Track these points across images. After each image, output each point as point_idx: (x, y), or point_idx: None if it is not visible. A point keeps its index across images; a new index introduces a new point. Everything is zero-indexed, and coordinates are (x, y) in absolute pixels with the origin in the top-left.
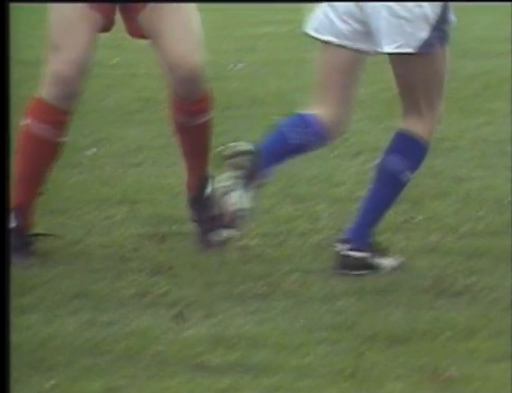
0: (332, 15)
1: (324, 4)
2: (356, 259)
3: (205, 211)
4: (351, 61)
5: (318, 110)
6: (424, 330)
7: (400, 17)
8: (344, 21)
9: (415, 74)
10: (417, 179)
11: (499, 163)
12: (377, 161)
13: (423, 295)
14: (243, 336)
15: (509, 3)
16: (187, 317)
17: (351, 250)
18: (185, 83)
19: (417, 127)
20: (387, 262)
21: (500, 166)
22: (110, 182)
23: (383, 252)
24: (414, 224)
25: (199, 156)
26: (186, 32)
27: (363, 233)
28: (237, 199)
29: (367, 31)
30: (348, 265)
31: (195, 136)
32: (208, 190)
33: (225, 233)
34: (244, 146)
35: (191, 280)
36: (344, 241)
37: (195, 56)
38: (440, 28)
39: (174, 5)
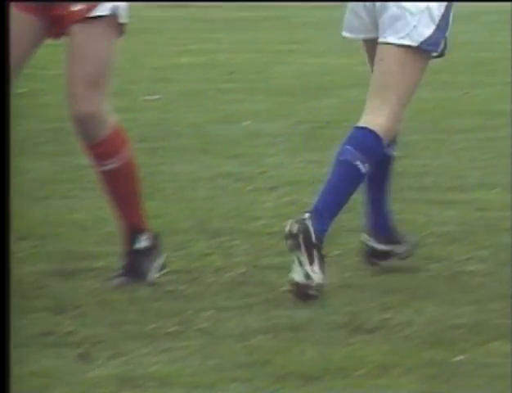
0: (348, 12)
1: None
2: (306, 231)
3: (131, 263)
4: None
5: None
6: (338, 367)
7: (405, 9)
8: (357, 15)
9: (402, 69)
10: None
11: (416, 197)
12: (294, 196)
13: (337, 332)
14: (152, 375)
15: None
16: (93, 357)
17: (310, 220)
18: (76, 123)
19: (377, 122)
20: (317, 270)
21: (416, 200)
22: (15, 216)
23: (323, 261)
24: (329, 260)
25: (121, 204)
26: (87, 72)
27: (320, 220)
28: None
29: (376, 22)
30: (300, 229)
31: (107, 182)
32: (141, 244)
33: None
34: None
35: (99, 318)
36: (310, 211)
37: (86, 101)
38: (443, 30)
39: (90, 37)
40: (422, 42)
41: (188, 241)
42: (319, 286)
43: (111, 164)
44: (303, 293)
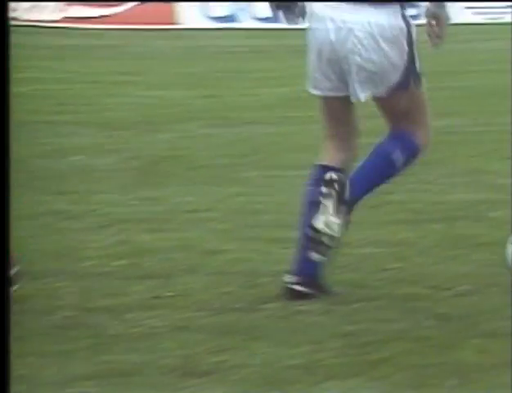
0: (314, 70)
1: (312, 64)
2: (343, 186)
3: None
4: (341, 108)
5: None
6: None
7: (368, 71)
8: (326, 76)
9: (394, 106)
10: (166, 253)
11: (252, 235)
12: (125, 235)
13: (169, 376)
14: None
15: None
16: None
17: (342, 191)
18: None
19: (411, 131)
20: (338, 222)
21: (253, 238)
22: None
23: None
24: (163, 301)
25: None
26: None
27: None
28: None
29: (345, 82)
30: (339, 181)
31: None
32: None
33: None
34: None
35: None
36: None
37: None
38: (411, 69)
39: None
40: (391, 89)
41: None
42: (334, 239)
43: None
44: (318, 240)
